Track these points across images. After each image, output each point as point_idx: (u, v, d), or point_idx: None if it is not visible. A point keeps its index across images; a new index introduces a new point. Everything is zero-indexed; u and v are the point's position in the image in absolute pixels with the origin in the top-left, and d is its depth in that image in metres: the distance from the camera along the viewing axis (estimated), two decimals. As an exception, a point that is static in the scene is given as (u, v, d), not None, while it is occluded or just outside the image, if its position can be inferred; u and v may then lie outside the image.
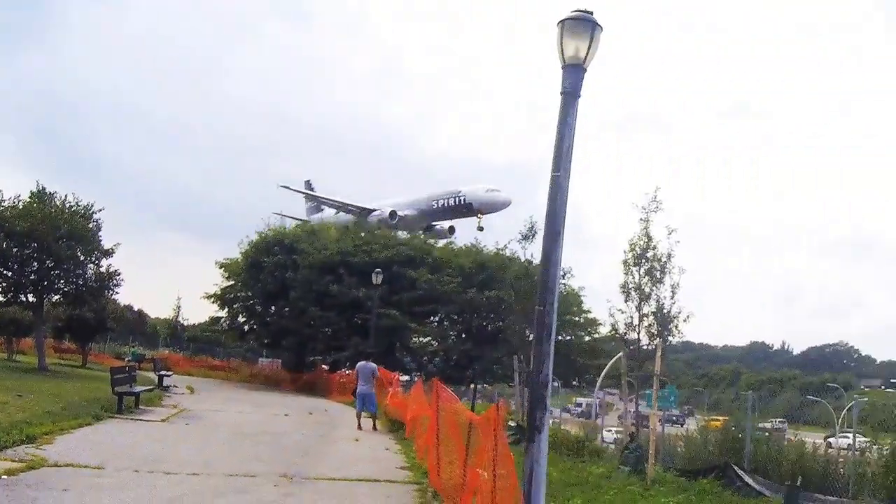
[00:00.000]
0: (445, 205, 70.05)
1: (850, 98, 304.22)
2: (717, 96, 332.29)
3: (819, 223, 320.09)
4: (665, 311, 23.65)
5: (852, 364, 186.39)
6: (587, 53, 9.85)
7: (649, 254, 24.15)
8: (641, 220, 24.93)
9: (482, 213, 68.44)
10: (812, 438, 25.29)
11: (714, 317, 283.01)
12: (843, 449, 23.63)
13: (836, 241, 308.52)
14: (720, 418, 28.48)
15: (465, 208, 69.23)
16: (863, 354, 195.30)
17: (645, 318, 23.86)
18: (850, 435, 21.36)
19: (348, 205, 74.82)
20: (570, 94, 9.98)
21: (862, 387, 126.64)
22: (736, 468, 20.73)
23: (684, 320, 24.00)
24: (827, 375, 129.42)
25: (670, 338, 24.10)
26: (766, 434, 23.72)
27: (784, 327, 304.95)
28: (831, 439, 26.31)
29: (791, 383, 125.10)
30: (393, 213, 70.72)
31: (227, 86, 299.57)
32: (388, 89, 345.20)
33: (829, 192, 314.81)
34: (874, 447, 19.81)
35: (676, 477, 21.33)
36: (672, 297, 23.90)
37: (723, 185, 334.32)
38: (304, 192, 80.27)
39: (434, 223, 73.68)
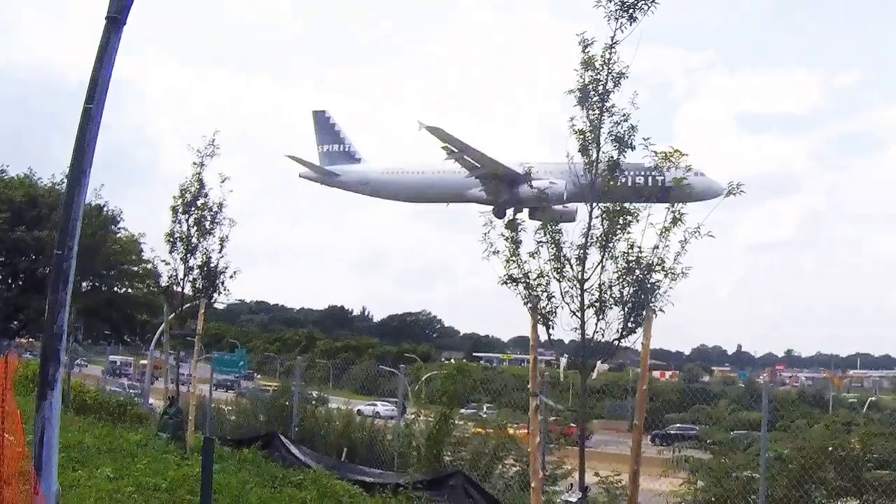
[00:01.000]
0: (628, 184, 55.98)
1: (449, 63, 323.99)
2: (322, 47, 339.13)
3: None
4: (212, 265, 24.14)
5: (434, 335, 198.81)
6: (138, -24, 9.89)
7: (200, 202, 24.57)
8: (195, 164, 25.08)
9: (685, 201, 56.85)
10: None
11: (293, 278, 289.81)
12: (370, 416, 25.49)
13: (425, 208, 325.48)
14: (273, 384, 29.61)
15: (658, 192, 55.94)
16: (446, 325, 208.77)
17: (191, 272, 24.21)
18: (385, 404, 23.22)
19: (500, 165, 57.14)
20: (115, 20, 9.96)
21: (442, 359, 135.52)
22: (282, 438, 21.87)
23: (231, 276, 24.58)
24: (406, 345, 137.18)
25: (216, 295, 24.63)
26: (313, 403, 25.02)
27: (365, 292, 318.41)
28: (361, 407, 28.24)
29: (369, 352, 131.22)
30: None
31: None
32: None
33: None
34: (420, 419, 21.56)
35: (220, 446, 22.11)
36: (220, 251, 24.40)
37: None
38: (453, 141, 57.47)
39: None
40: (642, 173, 48.38)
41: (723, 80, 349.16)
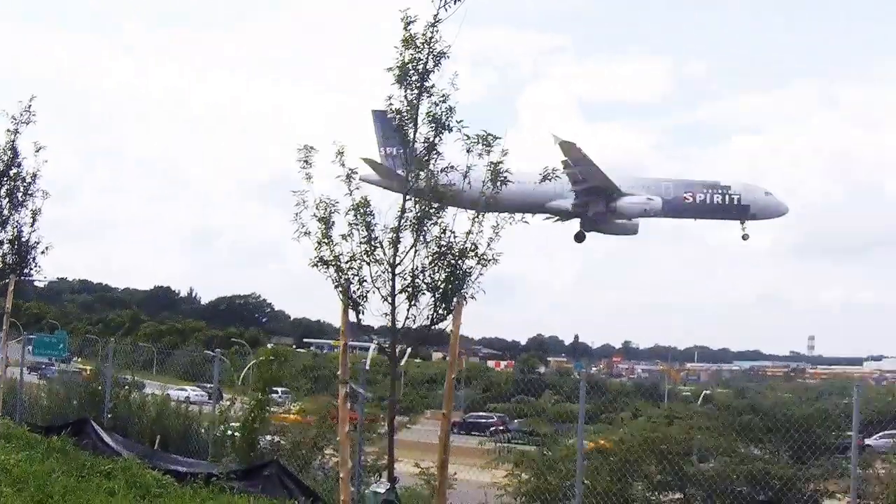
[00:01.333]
0: (707, 201, 60.54)
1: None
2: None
3: (239, 166, 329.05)
4: (24, 239, 23.31)
5: (264, 319, 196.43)
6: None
7: (13, 171, 23.53)
8: (9, 131, 24.03)
9: (755, 219, 61.87)
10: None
11: (118, 255, 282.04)
12: (181, 402, 25.14)
13: (258, 185, 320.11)
14: (90, 367, 28.90)
15: (735, 210, 60.79)
16: (276, 309, 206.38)
17: (0, 247, 23.32)
18: (196, 389, 22.86)
19: (609, 180, 60.49)
20: None
21: (273, 344, 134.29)
22: (94, 424, 21.44)
23: (42, 252, 23.82)
24: (233, 329, 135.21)
25: (28, 271, 23.86)
26: (126, 388, 24.48)
27: (194, 272, 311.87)
28: (171, 392, 27.81)
29: (195, 336, 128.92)
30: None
31: None
32: None
33: (250, 135, 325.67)
34: (236, 406, 21.32)
35: (29, 432, 21.57)
36: (33, 225, 23.58)
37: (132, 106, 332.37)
38: (583, 158, 59.27)
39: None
40: (720, 191, 55.85)
41: (571, 65, 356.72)
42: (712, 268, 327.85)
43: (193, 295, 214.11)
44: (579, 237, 65.58)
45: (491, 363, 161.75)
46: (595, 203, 61.18)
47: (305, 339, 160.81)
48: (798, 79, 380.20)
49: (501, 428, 56.31)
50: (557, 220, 66.21)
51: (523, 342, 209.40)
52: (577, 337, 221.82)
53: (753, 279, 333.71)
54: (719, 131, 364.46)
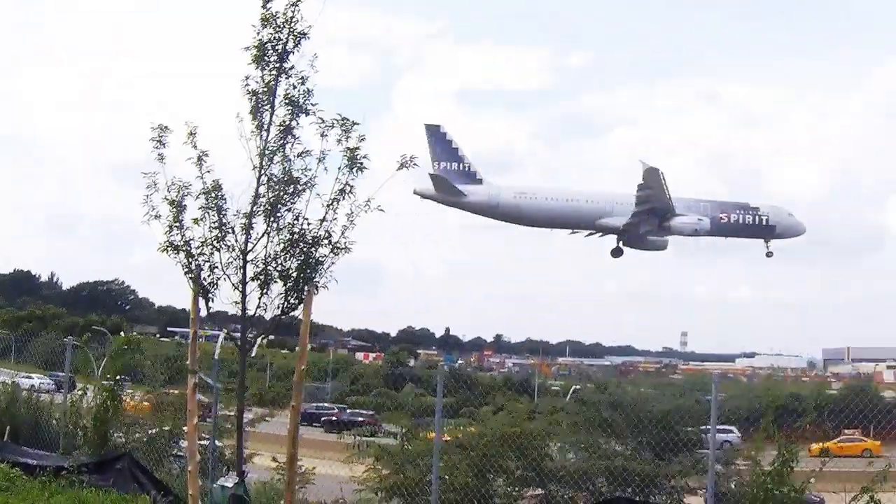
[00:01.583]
0: (740, 221, 64.08)
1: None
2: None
3: (104, 146, 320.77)
4: None
5: (128, 307, 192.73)
6: None
7: None
8: None
9: (779, 238, 65.15)
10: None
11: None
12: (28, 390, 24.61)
13: (123, 166, 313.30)
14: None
15: (763, 230, 64.28)
16: (140, 297, 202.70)
17: None
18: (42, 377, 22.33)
19: (670, 202, 64.24)
20: None
21: (135, 332, 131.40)
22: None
23: None
24: (95, 317, 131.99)
25: None
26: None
27: (54, 257, 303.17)
28: (18, 380, 27.27)
29: (55, 323, 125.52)
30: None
31: None
32: None
33: (116, 114, 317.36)
34: (88, 396, 20.92)
35: None
36: None
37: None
38: (659, 184, 63.14)
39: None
40: (750, 213, 61.11)
41: (451, 52, 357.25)
42: (586, 263, 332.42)
43: (55, 280, 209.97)
44: (616, 252, 69.12)
45: (360, 355, 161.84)
46: (648, 222, 65.80)
47: (170, 328, 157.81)
48: (677, 74, 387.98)
49: (335, 419, 57.56)
50: (590, 234, 70.31)
51: (393, 334, 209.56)
52: (448, 330, 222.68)
53: (627, 274, 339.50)
54: (598, 122, 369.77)
